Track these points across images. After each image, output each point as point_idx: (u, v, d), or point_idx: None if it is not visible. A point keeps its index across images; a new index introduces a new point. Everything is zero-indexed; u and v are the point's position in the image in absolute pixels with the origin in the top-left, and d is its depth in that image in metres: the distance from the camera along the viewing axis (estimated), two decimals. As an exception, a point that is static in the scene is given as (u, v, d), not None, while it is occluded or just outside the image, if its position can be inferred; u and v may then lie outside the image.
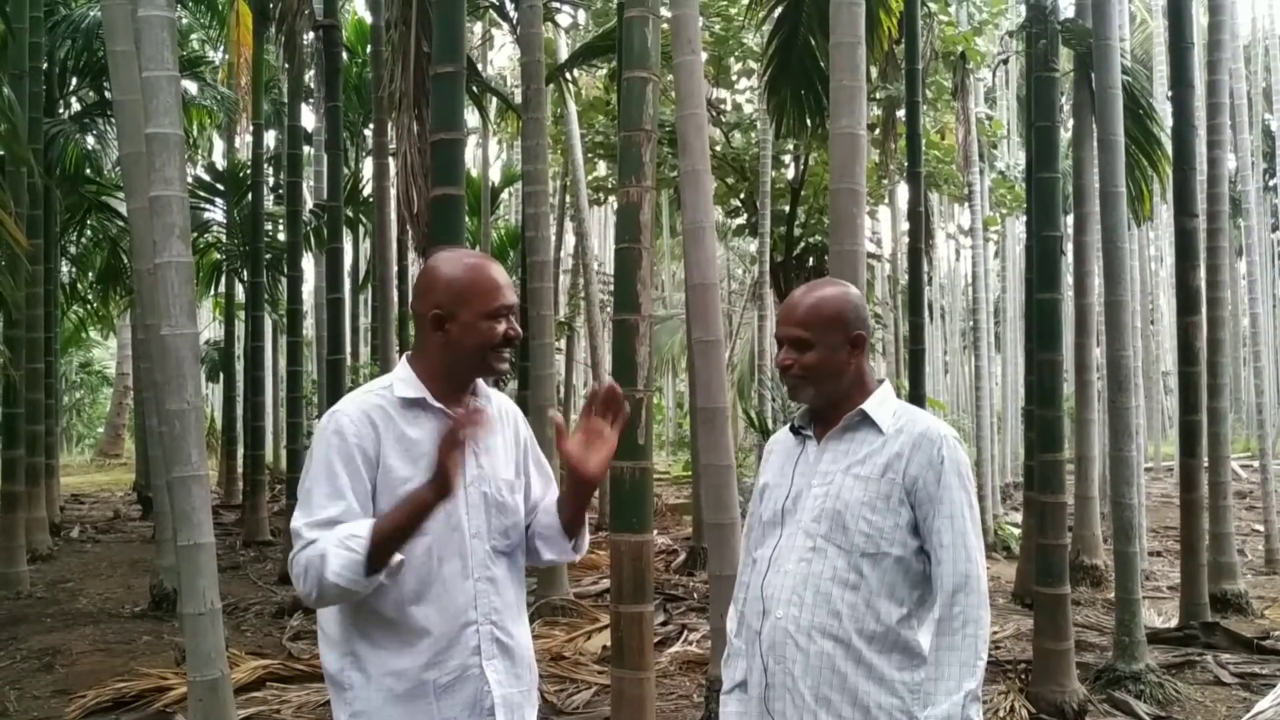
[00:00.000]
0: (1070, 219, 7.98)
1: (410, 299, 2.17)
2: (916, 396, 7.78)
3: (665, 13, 5.15)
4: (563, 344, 17.33)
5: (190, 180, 12.30)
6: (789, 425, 2.27)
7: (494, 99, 13.31)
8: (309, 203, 12.81)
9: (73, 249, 14.15)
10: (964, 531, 2.04)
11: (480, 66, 13.85)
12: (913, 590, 2.07)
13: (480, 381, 2.16)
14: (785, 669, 2.06)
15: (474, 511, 2.06)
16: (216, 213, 13.74)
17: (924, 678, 2.03)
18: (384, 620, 1.98)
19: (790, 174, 12.37)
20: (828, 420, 2.18)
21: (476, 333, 2.03)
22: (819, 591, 2.05)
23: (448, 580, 2.01)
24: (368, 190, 13.32)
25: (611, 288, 15.86)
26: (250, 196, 11.70)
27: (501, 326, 2.04)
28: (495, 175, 17.93)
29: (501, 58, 22.20)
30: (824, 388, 2.15)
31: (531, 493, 2.22)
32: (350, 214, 13.62)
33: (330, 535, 1.89)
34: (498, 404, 2.20)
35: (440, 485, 1.88)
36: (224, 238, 14.06)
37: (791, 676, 2.05)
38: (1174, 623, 7.06)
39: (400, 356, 2.18)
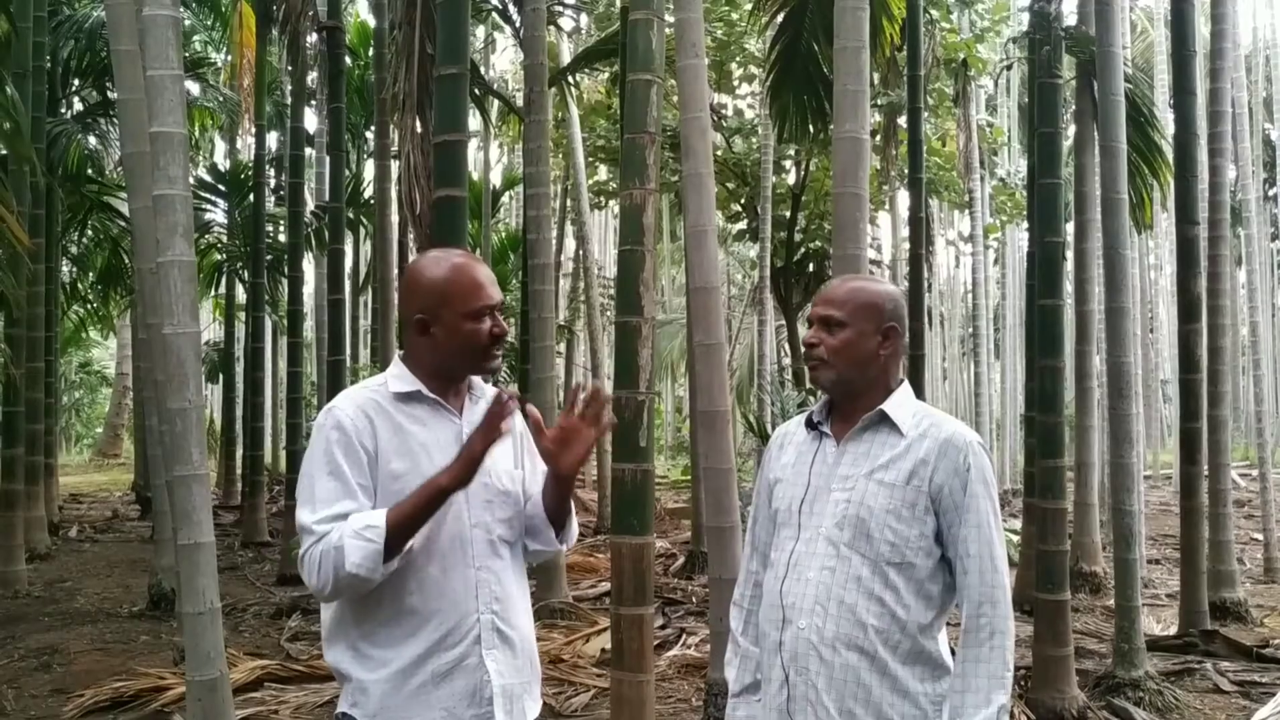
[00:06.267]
0: (1071, 226, 7.98)
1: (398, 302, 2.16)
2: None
3: (668, 17, 5.16)
4: (563, 348, 17.36)
5: (192, 181, 12.30)
6: (805, 418, 2.17)
7: (496, 102, 13.33)
8: (310, 204, 12.81)
9: (74, 249, 14.16)
10: (990, 542, 1.99)
11: (482, 70, 13.87)
12: (935, 599, 2.03)
13: (475, 378, 2.16)
14: (808, 681, 2.00)
15: (474, 501, 2.06)
16: (218, 213, 13.77)
17: (948, 689, 1.99)
18: (383, 609, 1.98)
19: (791, 179, 12.39)
20: (846, 416, 2.10)
21: (461, 334, 2.02)
22: (843, 602, 1.99)
23: (449, 569, 2.01)
24: (368, 192, 13.34)
25: (612, 292, 15.86)
26: (252, 197, 11.72)
27: (486, 325, 2.03)
28: (496, 179, 17.96)
29: (504, 61, 22.25)
30: (847, 374, 2.06)
31: (528, 483, 2.22)
32: (351, 216, 13.64)
33: (343, 527, 1.90)
34: (491, 398, 2.20)
35: (464, 473, 1.95)
36: (225, 238, 14.08)
37: (815, 689, 1.99)
38: (1173, 630, 7.05)
39: (398, 357, 2.17)
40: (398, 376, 2.07)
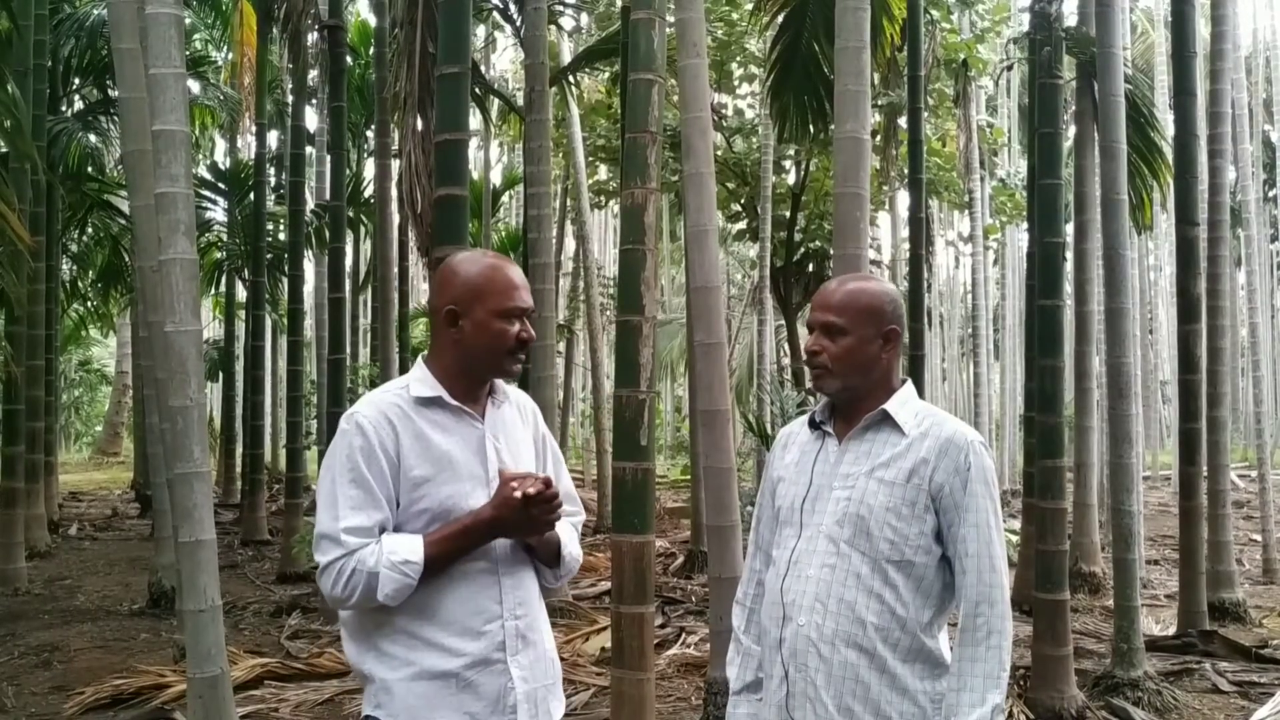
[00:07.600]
0: (1071, 227, 7.98)
1: (427, 296, 2.17)
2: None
3: (669, 16, 5.17)
4: (562, 347, 17.38)
5: (193, 179, 12.31)
6: (808, 419, 2.18)
7: (496, 101, 13.33)
8: (310, 203, 12.82)
9: (74, 246, 14.17)
10: (989, 541, 1.99)
11: (483, 69, 13.88)
12: (935, 598, 2.03)
13: (498, 380, 2.15)
14: (807, 677, 2.01)
15: None
16: (218, 212, 13.78)
17: (946, 688, 1.99)
18: (410, 615, 1.98)
19: (791, 179, 12.39)
20: (849, 417, 2.11)
21: (489, 332, 2.02)
22: (843, 599, 1.99)
23: (474, 576, 2.01)
24: (369, 191, 13.35)
25: (611, 291, 15.83)
26: (252, 196, 11.72)
27: (515, 328, 2.03)
28: (497, 178, 17.98)
29: (504, 61, 22.26)
30: (850, 380, 2.07)
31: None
32: (351, 214, 13.65)
33: (378, 554, 1.92)
34: (516, 400, 2.20)
35: (511, 531, 2.01)
36: (225, 237, 14.08)
37: (814, 685, 2.00)
38: (1172, 631, 7.06)
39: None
40: (420, 380, 2.06)
